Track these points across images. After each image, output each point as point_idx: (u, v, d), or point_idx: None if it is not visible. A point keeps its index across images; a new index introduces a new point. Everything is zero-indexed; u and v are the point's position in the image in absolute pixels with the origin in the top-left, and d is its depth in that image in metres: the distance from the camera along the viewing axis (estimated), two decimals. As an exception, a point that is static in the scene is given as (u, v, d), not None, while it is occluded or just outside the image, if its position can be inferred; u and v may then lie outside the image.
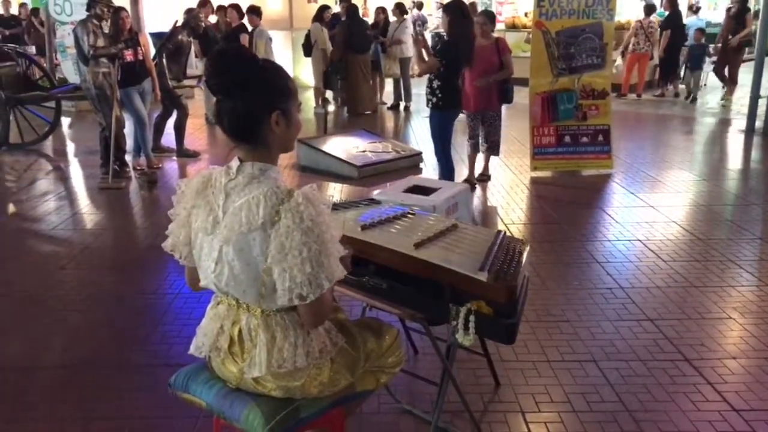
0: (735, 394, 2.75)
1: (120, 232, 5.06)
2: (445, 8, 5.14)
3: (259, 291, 1.61)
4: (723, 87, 10.68)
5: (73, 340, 3.31)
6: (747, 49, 11.19)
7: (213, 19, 9.64)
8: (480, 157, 6.20)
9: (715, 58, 10.94)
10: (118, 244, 4.81)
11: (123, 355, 3.12)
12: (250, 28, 9.04)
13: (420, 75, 5.62)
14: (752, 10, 10.61)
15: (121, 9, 6.34)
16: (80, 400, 2.76)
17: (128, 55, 6.28)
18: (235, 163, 1.63)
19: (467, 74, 5.60)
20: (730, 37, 10.03)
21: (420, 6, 14.46)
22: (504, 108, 6.10)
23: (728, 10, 10.60)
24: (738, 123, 8.82)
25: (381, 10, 11.06)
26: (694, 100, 10.71)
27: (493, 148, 6.11)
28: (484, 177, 6.19)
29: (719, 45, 10.55)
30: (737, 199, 5.62)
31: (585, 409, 2.66)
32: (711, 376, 2.87)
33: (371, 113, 10.19)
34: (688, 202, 5.51)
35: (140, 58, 6.41)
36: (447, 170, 5.34)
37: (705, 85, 12.15)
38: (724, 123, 9.11)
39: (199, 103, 10.20)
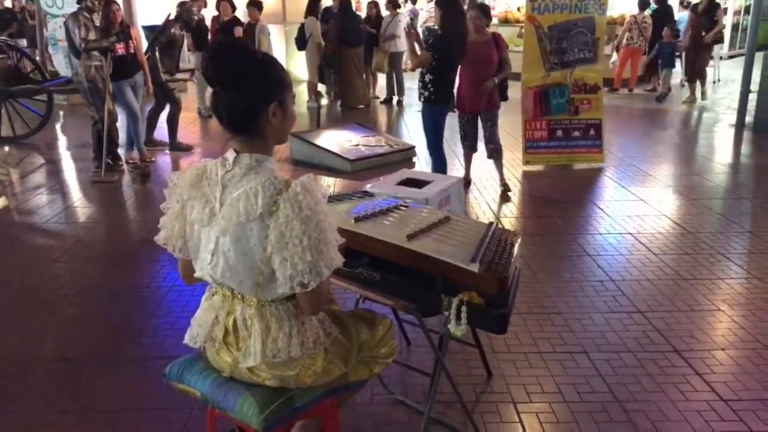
0: (723, 384, 2.79)
1: (113, 226, 5.06)
2: (438, 2, 5.11)
3: (256, 281, 1.62)
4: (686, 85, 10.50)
5: (66, 333, 3.32)
6: (716, 47, 10.96)
7: (206, 12, 9.59)
8: (491, 165, 5.86)
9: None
10: (111, 238, 4.80)
11: (117, 348, 3.13)
12: (246, 21, 9.01)
13: (413, 69, 5.42)
14: (721, 7, 10.21)
15: (112, 2, 6.31)
16: (75, 393, 2.77)
17: (120, 48, 6.25)
18: (231, 155, 1.65)
19: (464, 74, 5.48)
20: (703, 34, 9.74)
21: (414, 0, 14.44)
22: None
23: (695, 7, 10.16)
24: (728, 118, 8.87)
25: (373, 5, 11.03)
26: (665, 96, 10.54)
27: (497, 152, 5.69)
28: (506, 187, 5.73)
29: (684, 43, 10.33)
30: (727, 192, 5.66)
31: (576, 399, 2.69)
32: (700, 367, 2.91)
33: (364, 107, 10.20)
34: (678, 195, 5.56)
35: (132, 51, 6.38)
36: (439, 164, 5.34)
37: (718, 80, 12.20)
38: (714, 118, 9.16)
39: (191, 96, 10.18)
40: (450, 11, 4.93)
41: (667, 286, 3.77)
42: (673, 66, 10.70)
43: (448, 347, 2.35)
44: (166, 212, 1.75)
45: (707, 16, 9.70)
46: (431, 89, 5.05)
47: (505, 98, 5.73)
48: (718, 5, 10.04)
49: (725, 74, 12.55)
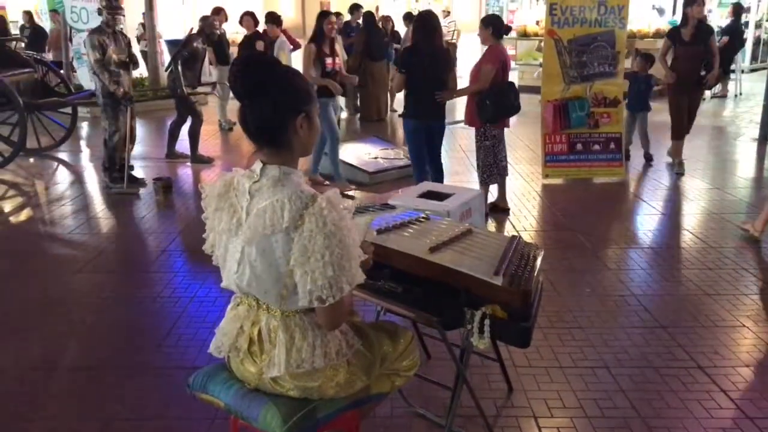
0: (749, 401, 2.74)
1: (135, 237, 5.12)
2: (415, 18, 5.17)
3: (280, 292, 1.64)
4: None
5: (89, 342, 3.36)
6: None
7: (227, 26, 9.72)
8: (509, 180, 5.61)
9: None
10: (133, 248, 4.86)
11: (139, 358, 3.16)
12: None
13: (397, 91, 5.24)
14: (715, 34, 6.92)
15: (329, 14, 6.16)
16: (97, 401, 2.80)
17: (329, 64, 5.94)
18: (257, 166, 1.67)
19: None
20: (702, 72, 6.51)
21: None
22: (515, 118, 5.69)
23: (675, 32, 6.62)
24: (751, 131, 8.78)
25: (387, 19, 11.14)
26: (649, 159, 7.18)
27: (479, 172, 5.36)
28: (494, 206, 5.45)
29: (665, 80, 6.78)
30: (750, 207, 5.59)
31: (597, 414, 2.67)
32: (724, 384, 2.87)
33: (383, 120, 10.26)
34: (700, 210, 5.50)
35: (338, 67, 6.12)
36: (420, 175, 5.19)
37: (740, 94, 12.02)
38: (736, 132, 9.07)
39: (213, 109, 10.28)
40: (418, 26, 4.96)
41: (689, 301, 3.72)
42: (648, 109, 7.15)
43: (469, 361, 2.34)
44: (207, 222, 1.79)
45: (701, 45, 6.38)
46: (405, 104, 5.11)
47: (483, 118, 5.08)
48: (712, 31, 6.81)
49: (747, 88, 12.44)
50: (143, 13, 12.87)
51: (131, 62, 6.16)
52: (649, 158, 7.14)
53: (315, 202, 1.57)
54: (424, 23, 4.94)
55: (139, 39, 12.50)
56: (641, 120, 7.11)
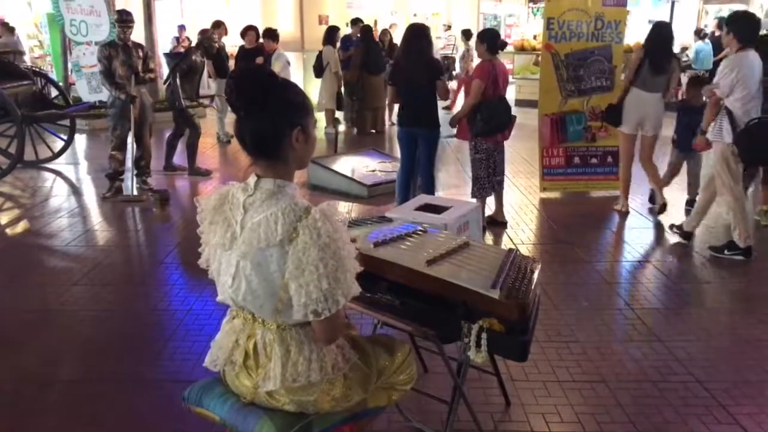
0: (747, 416, 2.73)
1: (131, 249, 5.11)
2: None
3: (276, 306, 1.63)
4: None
5: (85, 355, 3.34)
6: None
7: (226, 40, 9.75)
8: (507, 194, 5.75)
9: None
10: (129, 261, 4.85)
11: (134, 371, 3.14)
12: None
13: (390, 102, 5.50)
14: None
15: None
16: (93, 414, 2.78)
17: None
18: (252, 180, 1.67)
19: None
20: None
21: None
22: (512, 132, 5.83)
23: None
24: None
25: (385, 33, 11.25)
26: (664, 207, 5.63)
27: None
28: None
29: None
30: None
31: (595, 429, 2.65)
32: (723, 399, 2.86)
33: (381, 133, 10.29)
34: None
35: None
36: (402, 196, 5.36)
37: None
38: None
39: (211, 122, 10.30)
40: (403, 40, 5.14)
41: (687, 315, 3.72)
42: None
43: (466, 374, 2.33)
44: (202, 236, 1.78)
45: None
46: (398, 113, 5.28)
47: (473, 131, 5.13)
48: None
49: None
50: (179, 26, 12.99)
51: (147, 72, 6.41)
52: (665, 205, 5.64)
53: (309, 214, 1.57)
54: (406, 36, 5.12)
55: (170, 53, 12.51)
56: (695, 162, 5.77)
